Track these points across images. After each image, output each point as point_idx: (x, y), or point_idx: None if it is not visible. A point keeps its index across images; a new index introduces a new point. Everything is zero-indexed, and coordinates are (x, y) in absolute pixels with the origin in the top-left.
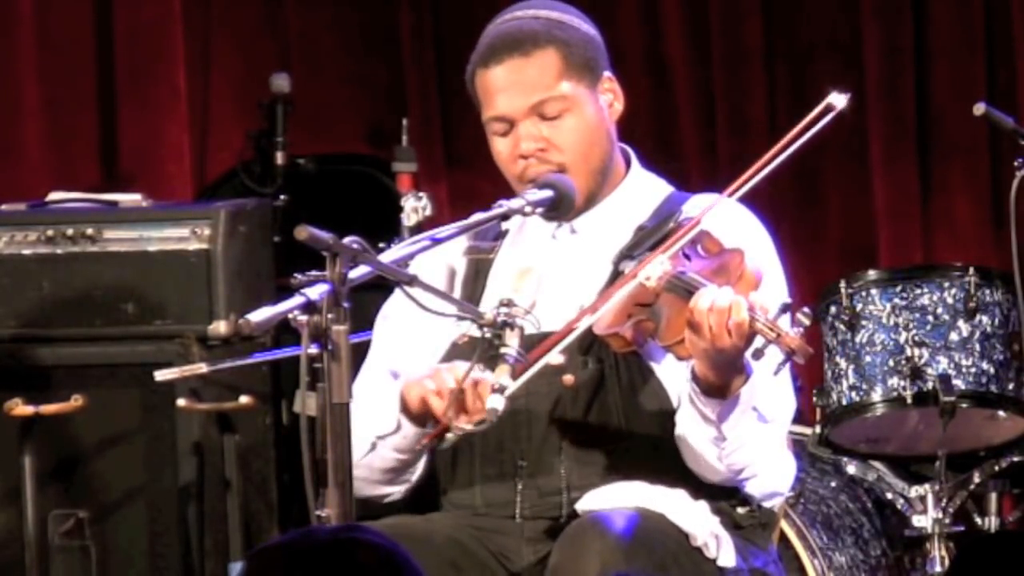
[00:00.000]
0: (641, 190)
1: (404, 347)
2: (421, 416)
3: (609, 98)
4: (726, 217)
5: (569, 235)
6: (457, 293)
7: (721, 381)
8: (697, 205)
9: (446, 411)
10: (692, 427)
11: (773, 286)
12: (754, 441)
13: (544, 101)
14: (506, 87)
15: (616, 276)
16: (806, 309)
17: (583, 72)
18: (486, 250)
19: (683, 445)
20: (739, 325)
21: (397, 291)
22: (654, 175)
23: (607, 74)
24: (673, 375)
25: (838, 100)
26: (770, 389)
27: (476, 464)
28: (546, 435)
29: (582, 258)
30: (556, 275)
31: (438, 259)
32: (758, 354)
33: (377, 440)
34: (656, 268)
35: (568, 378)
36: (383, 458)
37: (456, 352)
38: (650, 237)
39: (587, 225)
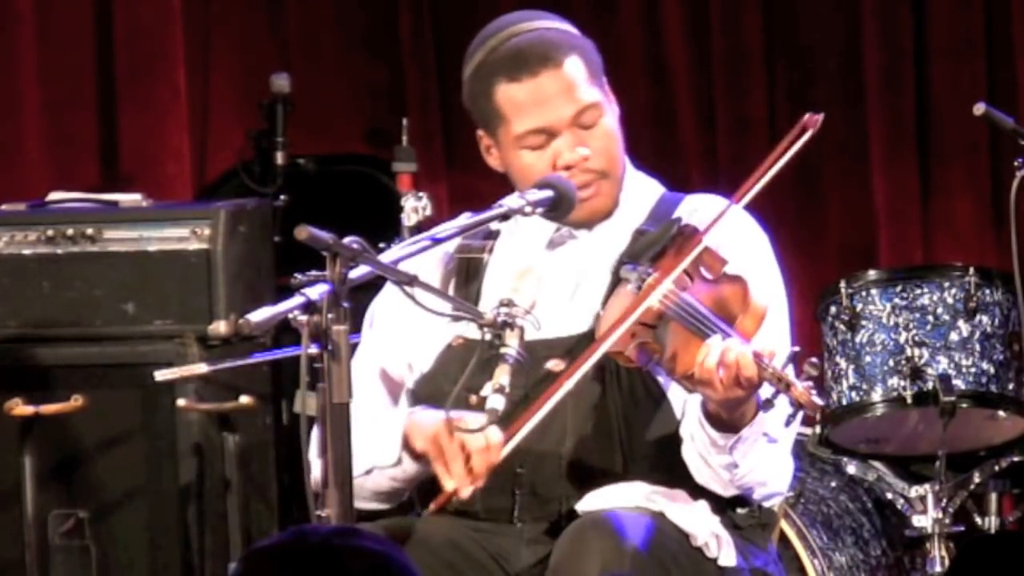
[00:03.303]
0: (637, 192)
1: (396, 351)
2: (424, 457)
3: (611, 99)
4: (729, 228)
5: (567, 237)
6: (451, 293)
7: (733, 420)
8: (694, 209)
9: (451, 479)
10: (705, 454)
11: (777, 313)
12: (764, 462)
13: (584, 109)
14: (546, 99)
15: (616, 282)
16: (814, 359)
17: (598, 77)
18: (477, 249)
19: (694, 464)
20: (749, 379)
21: (381, 296)
22: (644, 174)
23: (604, 78)
24: (675, 385)
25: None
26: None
27: None
28: (545, 442)
29: (581, 262)
30: (555, 278)
31: (431, 259)
32: (768, 404)
33: (375, 468)
34: (660, 289)
35: (564, 376)
36: (378, 483)
37: (450, 354)
38: (650, 245)
39: (586, 230)
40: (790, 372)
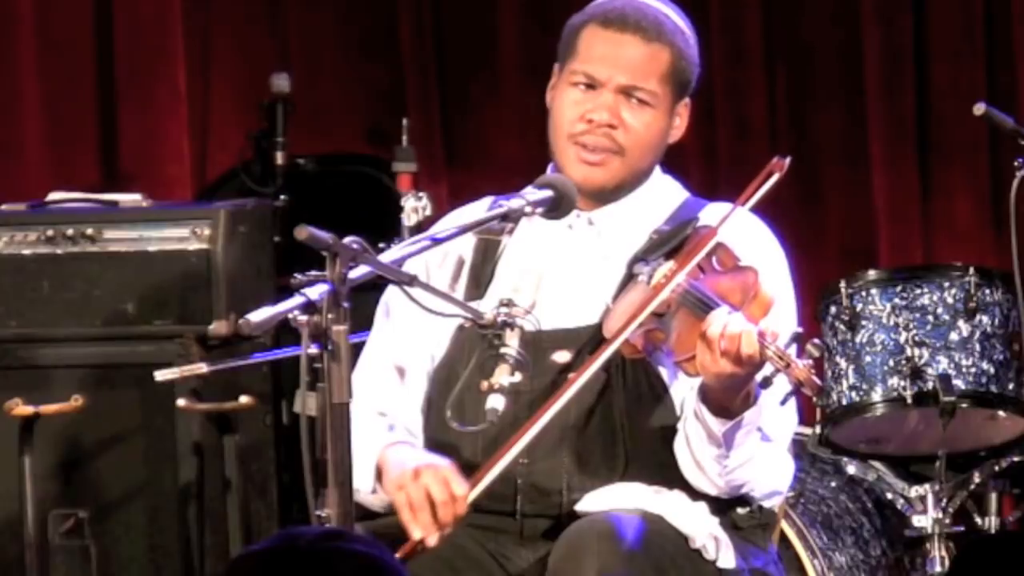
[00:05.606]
0: (660, 194)
1: (409, 341)
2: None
3: (678, 121)
4: (743, 230)
5: (586, 227)
6: (466, 274)
7: (730, 403)
8: (713, 214)
9: (418, 528)
10: (697, 444)
11: (784, 308)
12: (756, 460)
13: (636, 88)
14: (615, 57)
15: (629, 279)
16: (816, 340)
17: (676, 86)
18: (496, 231)
19: (684, 459)
20: (750, 356)
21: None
22: (671, 178)
23: (687, 100)
24: (679, 382)
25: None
26: (775, 409)
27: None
28: (548, 434)
29: (596, 256)
30: (568, 269)
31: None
32: (766, 382)
33: (360, 491)
34: (672, 283)
35: (574, 376)
36: (367, 501)
37: (462, 336)
38: (664, 243)
39: (605, 220)
40: (792, 352)
